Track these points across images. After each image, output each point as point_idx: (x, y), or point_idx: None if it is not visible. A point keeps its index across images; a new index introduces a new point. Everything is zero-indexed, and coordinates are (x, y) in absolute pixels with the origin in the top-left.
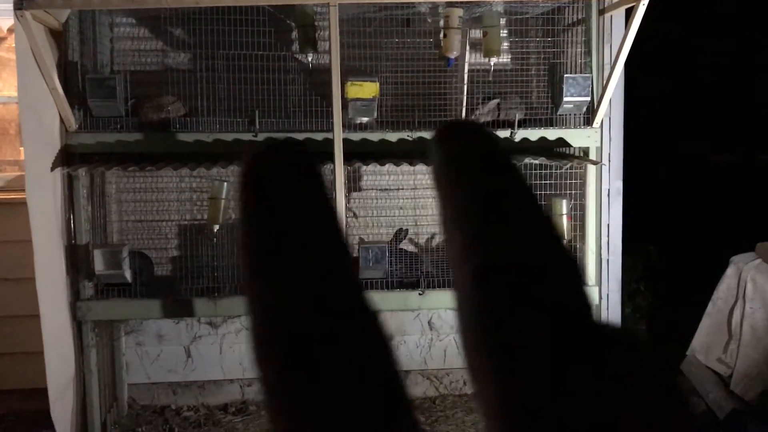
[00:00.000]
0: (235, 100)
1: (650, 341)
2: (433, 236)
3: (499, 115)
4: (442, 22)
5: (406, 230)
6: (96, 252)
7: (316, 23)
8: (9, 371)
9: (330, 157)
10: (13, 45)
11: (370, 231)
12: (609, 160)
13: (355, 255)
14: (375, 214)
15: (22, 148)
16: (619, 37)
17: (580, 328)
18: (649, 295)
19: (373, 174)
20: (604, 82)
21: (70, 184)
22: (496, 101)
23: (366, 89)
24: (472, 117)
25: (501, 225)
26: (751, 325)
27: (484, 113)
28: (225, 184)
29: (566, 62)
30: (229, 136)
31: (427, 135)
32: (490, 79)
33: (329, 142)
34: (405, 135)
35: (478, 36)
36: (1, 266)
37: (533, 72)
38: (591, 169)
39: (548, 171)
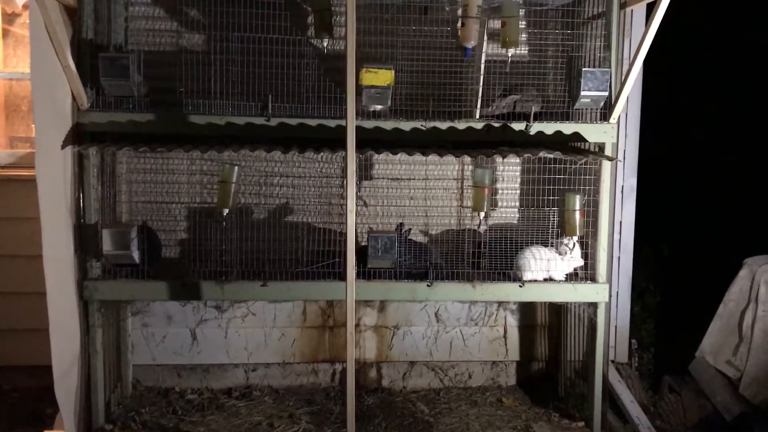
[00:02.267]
0: (248, 84)
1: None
2: (443, 228)
3: (515, 107)
4: (460, 11)
5: (409, 229)
6: (105, 232)
7: (332, 8)
8: (16, 347)
9: (342, 145)
10: (28, 21)
11: (380, 220)
12: (624, 157)
13: (363, 244)
14: (385, 203)
15: (34, 125)
16: (640, 32)
17: None
18: (658, 294)
19: (385, 163)
20: (623, 77)
21: (80, 162)
22: (515, 97)
23: (381, 77)
24: (490, 108)
25: None
26: (763, 329)
27: (501, 107)
28: (236, 168)
29: (585, 56)
30: (241, 120)
31: (441, 125)
32: (507, 70)
33: (342, 129)
34: (419, 124)
35: (497, 26)
36: (11, 243)
37: (551, 64)
38: (606, 165)
39: (563, 165)
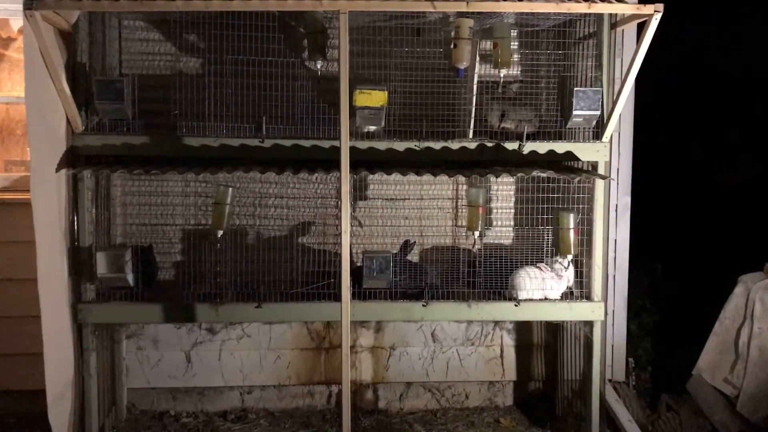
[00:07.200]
0: (242, 106)
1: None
2: (438, 247)
3: (503, 118)
4: (452, 33)
5: (413, 242)
6: (99, 254)
7: (326, 31)
8: (11, 372)
9: (336, 165)
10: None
11: (375, 240)
12: (617, 175)
13: (358, 264)
14: (380, 224)
15: (28, 149)
16: (631, 52)
17: None
18: (654, 312)
19: (380, 183)
20: (615, 96)
21: (75, 185)
22: (517, 85)
23: (374, 98)
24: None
25: None
26: (759, 346)
27: (508, 91)
28: (230, 189)
29: (577, 75)
30: (235, 142)
31: (434, 145)
32: (500, 90)
33: (336, 150)
34: (412, 145)
35: (489, 47)
36: (5, 267)
37: (543, 84)
38: (599, 184)
39: (556, 185)
